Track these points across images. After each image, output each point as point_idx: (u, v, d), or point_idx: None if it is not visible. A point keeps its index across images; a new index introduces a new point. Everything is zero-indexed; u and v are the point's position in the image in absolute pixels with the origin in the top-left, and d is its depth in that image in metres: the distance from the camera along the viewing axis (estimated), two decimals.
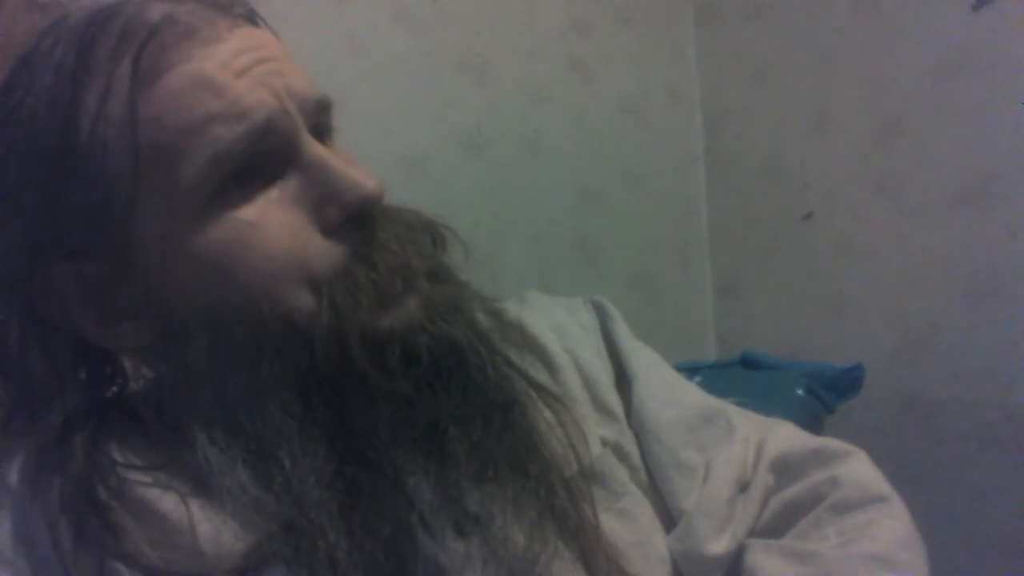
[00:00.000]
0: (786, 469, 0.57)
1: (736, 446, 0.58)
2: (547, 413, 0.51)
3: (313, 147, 0.44)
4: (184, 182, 0.39)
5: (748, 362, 1.70)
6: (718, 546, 0.52)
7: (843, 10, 1.99)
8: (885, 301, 1.78)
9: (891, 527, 0.51)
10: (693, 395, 0.63)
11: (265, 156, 0.42)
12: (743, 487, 0.56)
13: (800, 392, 1.54)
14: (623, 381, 0.60)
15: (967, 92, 1.69)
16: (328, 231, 0.43)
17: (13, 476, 0.43)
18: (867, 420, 1.70)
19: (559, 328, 0.60)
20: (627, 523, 0.52)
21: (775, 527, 0.55)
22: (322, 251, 0.43)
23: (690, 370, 1.63)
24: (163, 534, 0.41)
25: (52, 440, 0.41)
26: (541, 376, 0.53)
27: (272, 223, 0.41)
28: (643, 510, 0.55)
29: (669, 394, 0.60)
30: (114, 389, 0.48)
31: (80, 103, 0.40)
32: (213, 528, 0.41)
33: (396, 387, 0.43)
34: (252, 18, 0.50)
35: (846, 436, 1.84)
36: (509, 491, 0.46)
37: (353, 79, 1.82)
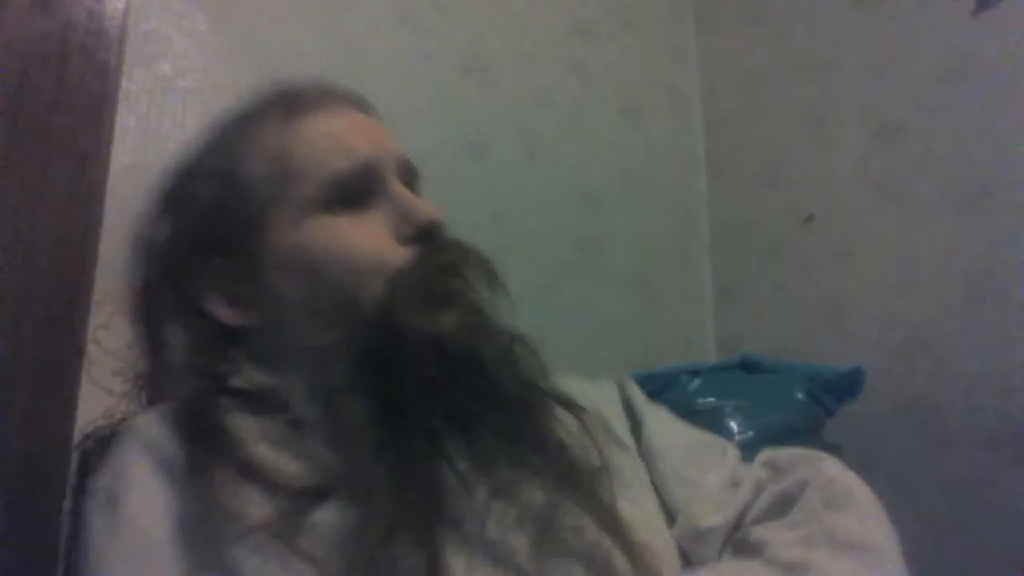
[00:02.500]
0: (777, 467, 0.65)
1: (729, 459, 0.67)
2: (570, 421, 0.60)
3: (397, 186, 0.60)
4: (305, 197, 0.56)
5: (748, 365, 1.70)
6: (711, 520, 0.60)
7: (844, 15, 1.99)
8: (885, 304, 1.79)
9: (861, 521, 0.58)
10: (693, 430, 0.73)
11: (363, 186, 0.58)
12: (735, 484, 0.64)
13: (800, 395, 1.54)
14: (636, 427, 0.70)
15: (967, 96, 1.69)
16: (402, 242, 0.58)
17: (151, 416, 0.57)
18: (867, 423, 1.70)
19: (583, 388, 0.70)
20: (636, 507, 0.59)
21: (771, 514, 0.61)
22: (395, 256, 0.57)
23: (690, 373, 1.63)
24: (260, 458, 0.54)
25: (186, 378, 0.58)
26: (563, 395, 0.62)
27: (361, 231, 0.56)
28: (650, 501, 0.63)
29: (672, 429, 0.71)
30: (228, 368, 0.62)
31: (243, 146, 0.59)
32: (287, 462, 0.53)
33: (427, 371, 0.54)
34: (368, 110, 0.68)
35: (846, 439, 1.86)
36: (533, 467, 0.55)
37: (354, 81, 1.82)
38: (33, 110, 1.13)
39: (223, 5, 1.66)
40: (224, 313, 0.60)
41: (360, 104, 0.68)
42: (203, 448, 0.53)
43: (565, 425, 0.60)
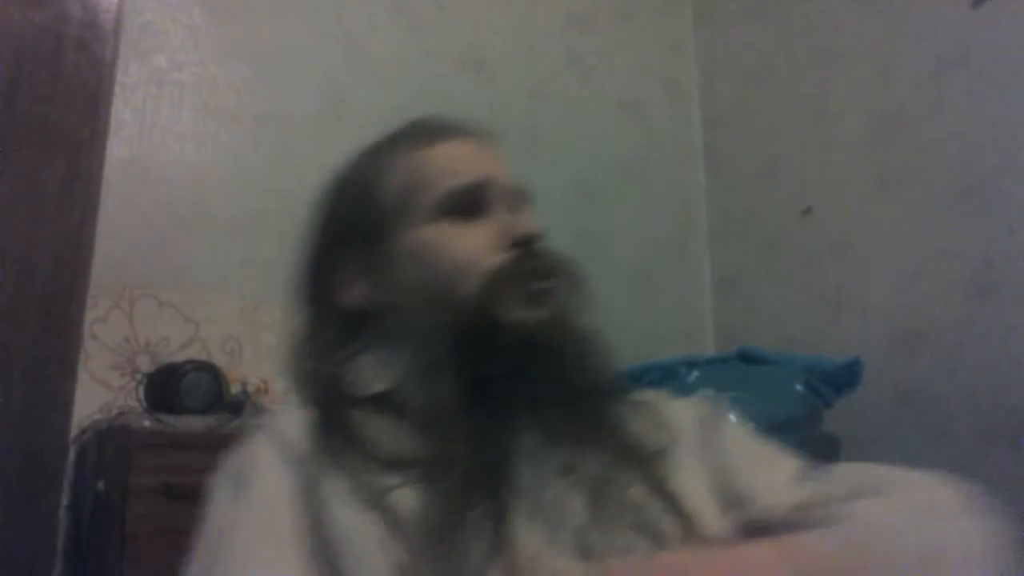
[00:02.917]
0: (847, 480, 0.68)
1: (799, 462, 0.71)
2: (633, 413, 0.69)
3: (502, 205, 0.70)
4: (426, 207, 0.68)
5: (746, 357, 1.70)
6: (777, 504, 0.64)
7: (842, 6, 1.98)
8: (884, 296, 1.79)
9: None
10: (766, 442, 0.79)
11: (473, 201, 0.68)
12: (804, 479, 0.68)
13: (799, 387, 1.54)
14: (709, 428, 0.76)
15: (966, 88, 1.69)
16: (501, 250, 0.67)
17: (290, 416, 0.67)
18: (865, 415, 1.71)
19: (657, 397, 0.78)
20: (689, 484, 0.64)
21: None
22: (491, 259, 0.66)
23: (688, 364, 1.63)
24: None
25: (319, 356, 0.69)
26: (627, 389, 0.71)
27: (466, 237, 0.67)
28: (703, 485, 0.67)
29: (746, 432, 0.78)
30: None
31: (383, 164, 0.73)
32: (390, 439, 0.63)
33: (510, 359, 0.63)
34: (489, 142, 0.77)
35: (844, 430, 1.86)
36: (595, 445, 0.62)
37: (352, 75, 1.82)
38: (28, 104, 1.12)
39: None
40: (353, 296, 0.71)
41: (482, 136, 0.78)
42: (329, 440, 0.63)
43: (628, 415, 0.68)
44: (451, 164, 0.70)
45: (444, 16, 1.97)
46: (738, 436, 0.75)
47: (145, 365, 1.45)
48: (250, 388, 1.44)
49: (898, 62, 1.83)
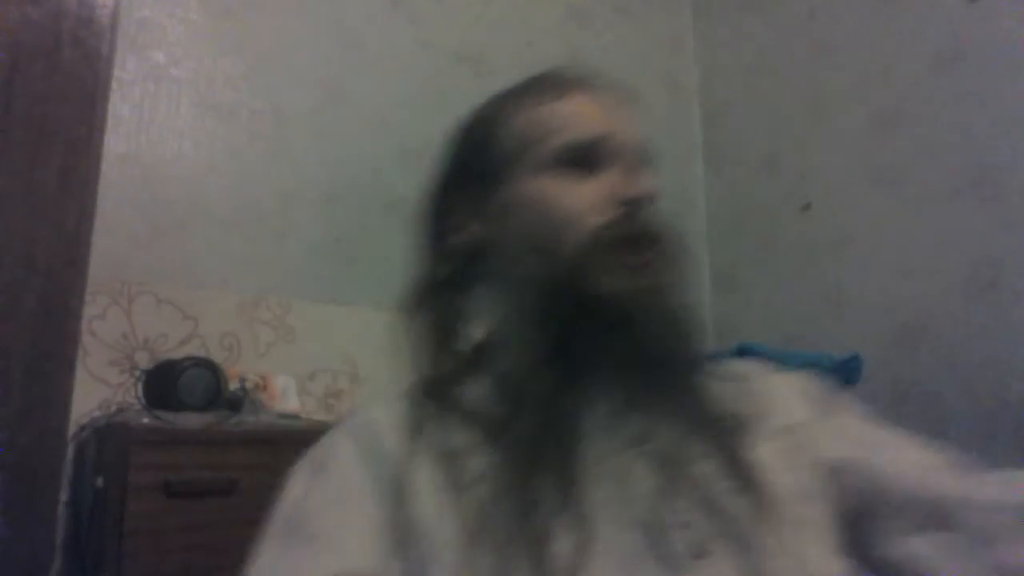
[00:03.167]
0: None
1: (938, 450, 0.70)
2: (717, 385, 0.67)
3: (620, 163, 0.68)
4: (544, 156, 0.67)
5: (745, 353, 1.70)
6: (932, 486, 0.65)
7: (840, 2, 1.98)
8: (883, 292, 1.79)
9: None
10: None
11: (590, 156, 0.67)
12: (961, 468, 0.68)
13: None
14: (821, 405, 0.76)
15: (964, 83, 1.69)
16: (610, 208, 0.65)
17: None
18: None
19: (755, 371, 0.77)
20: (775, 454, 0.64)
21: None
22: (598, 216, 0.65)
23: None
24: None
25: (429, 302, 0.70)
26: (714, 363, 0.71)
27: (577, 190, 0.66)
28: (800, 455, 0.65)
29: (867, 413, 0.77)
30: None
31: (510, 111, 0.72)
32: (478, 396, 0.66)
33: (599, 321, 0.62)
34: (618, 98, 0.76)
35: None
36: (672, 417, 0.62)
37: (350, 70, 1.81)
38: (24, 100, 1.12)
39: None
40: (465, 237, 0.71)
41: (611, 91, 0.77)
42: (423, 409, 0.65)
43: (712, 388, 0.67)
44: (573, 117, 0.70)
45: (441, 11, 1.96)
46: (861, 416, 0.74)
47: (144, 362, 1.45)
48: (248, 384, 1.43)
49: (896, 58, 1.83)
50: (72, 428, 1.24)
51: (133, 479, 1.13)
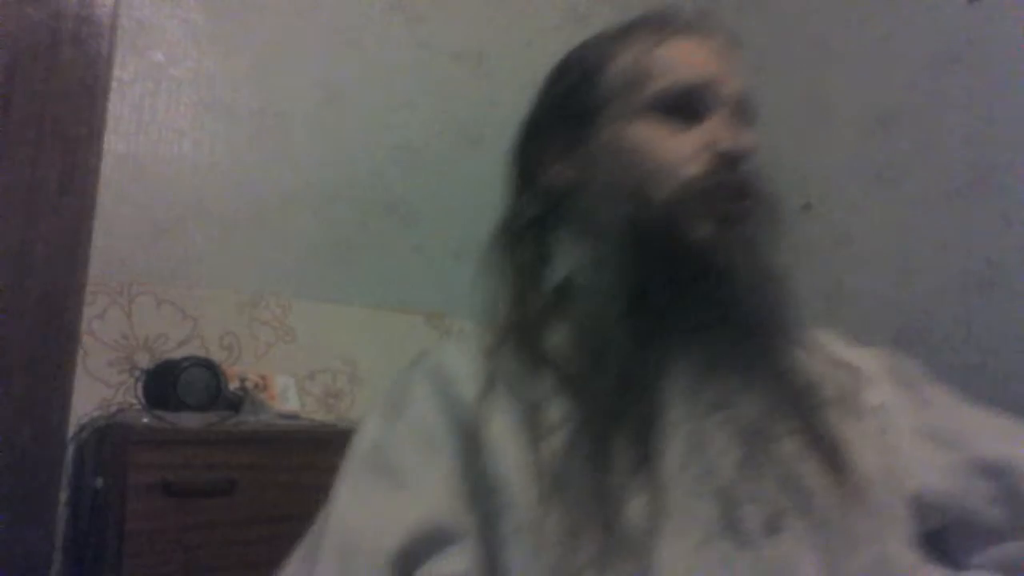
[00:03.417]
0: None
1: None
2: (805, 354, 0.66)
3: (721, 115, 0.65)
4: (644, 100, 0.65)
5: None
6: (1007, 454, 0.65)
7: (840, 2, 1.98)
8: (882, 291, 1.79)
9: None
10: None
11: (691, 104, 0.64)
12: None
13: None
14: (909, 386, 0.75)
15: (964, 83, 1.69)
16: (706, 160, 0.63)
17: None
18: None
19: (839, 346, 0.76)
20: (860, 433, 0.62)
21: None
22: (692, 166, 0.63)
23: None
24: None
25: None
26: (800, 330, 0.68)
27: (673, 138, 0.63)
28: (899, 431, 0.65)
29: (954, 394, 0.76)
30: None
31: (615, 48, 0.69)
32: (558, 344, 0.64)
33: (686, 274, 0.60)
34: (730, 45, 0.72)
35: None
36: (757, 384, 0.60)
37: (350, 70, 1.81)
38: (24, 100, 1.12)
39: None
40: (555, 176, 0.69)
41: (720, 38, 0.73)
42: (501, 350, 0.63)
43: (799, 357, 0.65)
44: (677, 62, 0.66)
45: (440, 11, 1.96)
46: (952, 398, 0.73)
47: (143, 362, 1.45)
48: (248, 384, 1.44)
49: (895, 57, 1.83)
50: (72, 428, 1.24)
51: (133, 479, 1.13)
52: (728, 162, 0.63)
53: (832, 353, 0.70)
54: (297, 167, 1.69)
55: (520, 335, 0.64)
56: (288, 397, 1.53)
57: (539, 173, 0.70)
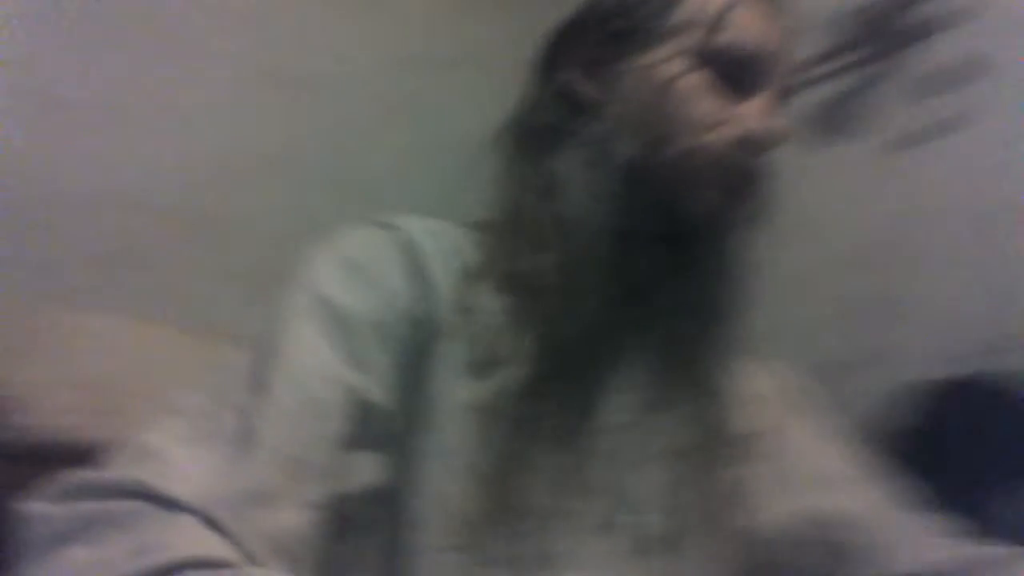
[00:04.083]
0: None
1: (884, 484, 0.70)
2: (735, 377, 0.65)
3: (768, 94, 0.63)
4: (694, 45, 0.61)
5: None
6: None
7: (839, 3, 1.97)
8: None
9: None
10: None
11: (745, 71, 0.62)
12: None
13: None
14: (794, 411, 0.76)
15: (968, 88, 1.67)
16: (730, 135, 0.61)
17: None
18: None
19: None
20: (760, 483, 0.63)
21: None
22: (721, 136, 0.60)
23: None
24: None
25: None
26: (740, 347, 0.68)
27: (706, 101, 0.61)
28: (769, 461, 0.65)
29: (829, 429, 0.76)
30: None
31: None
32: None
33: (672, 231, 0.59)
34: (789, 18, 0.69)
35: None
36: (690, 399, 0.60)
37: (345, 71, 1.79)
38: None
39: None
40: (576, 88, 0.66)
41: (784, 9, 0.70)
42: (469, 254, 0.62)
43: (731, 382, 0.64)
44: (749, 24, 0.63)
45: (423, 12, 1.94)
46: (818, 435, 0.71)
47: None
48: None
49: None
50: None
51: None
52: (754, 146, 0.61)
53: (750, 383, 0.69)
54: (292, 177, 1.61)
55: (499, 240, 0.63)
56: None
57: (563, 78, 0.67)
